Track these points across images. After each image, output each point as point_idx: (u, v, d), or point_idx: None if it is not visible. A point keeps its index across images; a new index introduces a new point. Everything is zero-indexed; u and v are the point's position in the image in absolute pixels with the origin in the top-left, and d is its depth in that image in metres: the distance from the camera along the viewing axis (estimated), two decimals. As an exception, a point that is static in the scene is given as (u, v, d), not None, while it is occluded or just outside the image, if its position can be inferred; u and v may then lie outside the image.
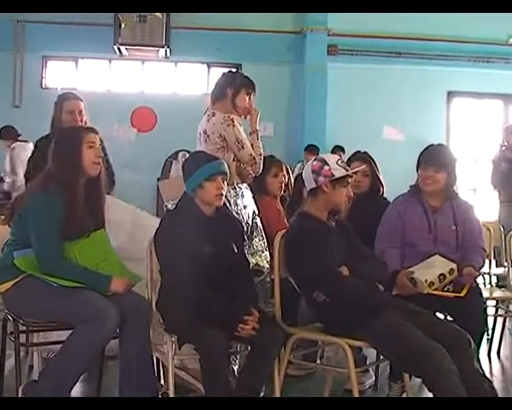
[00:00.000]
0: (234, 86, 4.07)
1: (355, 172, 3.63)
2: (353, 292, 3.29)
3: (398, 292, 3.59)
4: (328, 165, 3.42)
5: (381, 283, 3.48)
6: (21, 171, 6.63)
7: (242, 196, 4.03)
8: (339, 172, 3.42)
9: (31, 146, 6.12)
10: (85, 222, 3.30)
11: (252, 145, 4.06)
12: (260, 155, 4.08)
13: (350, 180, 3.50)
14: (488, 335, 4.73)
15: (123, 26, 9.44)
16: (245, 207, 4.02)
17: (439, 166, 3.81)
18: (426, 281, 3.51)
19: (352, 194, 3.57)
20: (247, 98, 4.10)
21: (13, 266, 3.18)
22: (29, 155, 4.59)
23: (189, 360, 3.63)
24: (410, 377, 3.59)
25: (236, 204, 3.96)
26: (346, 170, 3.45)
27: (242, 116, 4.14)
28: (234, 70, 4.35)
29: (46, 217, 3.15)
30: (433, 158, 3.84)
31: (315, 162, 3.47)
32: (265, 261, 4.03)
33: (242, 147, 3.97)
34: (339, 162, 3.45)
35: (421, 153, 3.92)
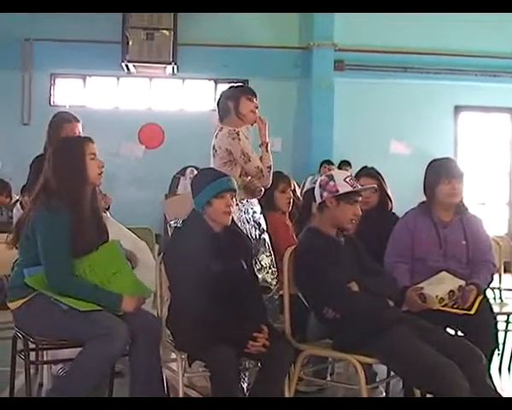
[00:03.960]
0: (233, 97, 4.06)
1: (363, 190, 3.61)
2: (363, 308, 3.28)
3: (407, 308, 3.57)
4: (333, 181, 3.43)
5: (390, 298, 3.46)
6: None
7: (247, 211, 4.00)
8: (344, 188, 3.41)
9: None
10: (93, 235, 3.27)
11: (261, 157, 4.06)
12: (269, 167, 4.05)
13: (359, 198, 3.48)
14: (499, 350, 4.70)
15: (130, 43, 9.50)
16: (249, 222, 4.00)
17: (460, 178, 3.82)
18: (436, 297, 3.49)
19: (361, 211, 3.55)
20: (250, 103, 4.05)
21: (23, 285, 3.15)
22: None
23: (197, 377, 3.61)
24: (422, 393, 3.57)
25: (241, 220, 3.92)
26: (354, 187, 3.44)
27: (251, 125, 4.12)
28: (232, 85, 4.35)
29: (53, 235, 3.11)
30: (454, 170, 3.82)
31: (323, 177, 3.52)
32: (273, 278, 4.00)
33: (249, 160, 3.94)
34: (347, 179, 3.45)
35: (433, 167, 3.87)
